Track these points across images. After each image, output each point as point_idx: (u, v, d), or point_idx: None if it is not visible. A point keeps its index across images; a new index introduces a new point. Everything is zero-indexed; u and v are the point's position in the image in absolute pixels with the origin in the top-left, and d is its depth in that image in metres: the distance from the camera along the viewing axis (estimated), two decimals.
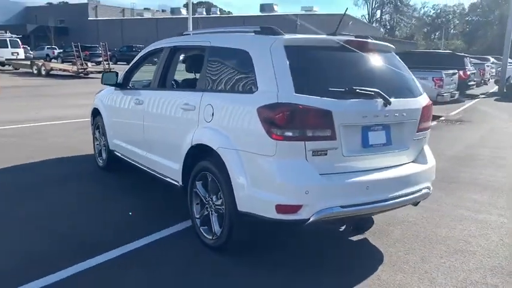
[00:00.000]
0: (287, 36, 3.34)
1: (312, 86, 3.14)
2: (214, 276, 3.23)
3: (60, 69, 23.55)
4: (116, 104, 5.26)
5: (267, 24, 3.93)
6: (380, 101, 3.28)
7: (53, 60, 36.28)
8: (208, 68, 3.80)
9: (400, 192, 3.37)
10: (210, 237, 3.57)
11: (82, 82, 20.86)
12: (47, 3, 77.57)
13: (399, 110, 3.42)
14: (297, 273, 3.31)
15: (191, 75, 4.74)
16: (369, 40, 3.63)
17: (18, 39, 28.48)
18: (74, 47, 23.28)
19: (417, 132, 3.63)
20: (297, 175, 3.03)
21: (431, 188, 3.74)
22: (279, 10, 60.36)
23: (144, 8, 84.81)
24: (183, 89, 4.65)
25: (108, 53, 25.76)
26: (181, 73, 4.90)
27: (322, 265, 3.47)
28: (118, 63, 36.67)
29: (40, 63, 24.07)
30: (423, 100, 3.70)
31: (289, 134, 2.99)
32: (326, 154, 3.09)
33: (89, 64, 25.13)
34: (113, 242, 3.66)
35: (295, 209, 2.99)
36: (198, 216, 3.73)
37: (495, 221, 4.49)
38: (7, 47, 27.21)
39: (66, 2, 75.50)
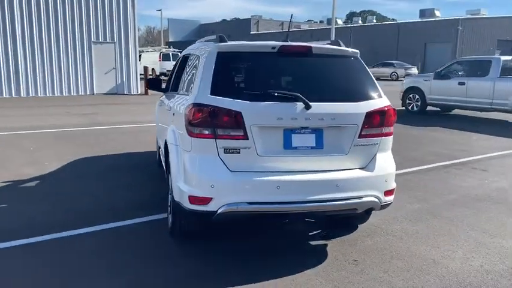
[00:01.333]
0: (226, 43, 3.60)
1: (230, 88, 3.36)
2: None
3: None
4: (158, 107, 6.02)
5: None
6: (300, 104, 3.31)
7: None
8: (183, 73, 4.27)
9: (325, 196, 3.33)
10: (169, 226, 4.01)
11: None
12: (222, 19, 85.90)
13: (326, 114, 3.38)
14: (237, 263, 3.56)
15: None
16: (312, 45, 3.63)
17: (179, 53, 32.56)
18: None
19: (359, 138, 3.50)
20: (205, 169, 3.28)
21: (384, 198, 3.56)
22: (441, 15, 56.47)
23: (307, 20, 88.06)
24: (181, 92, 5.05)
25: None
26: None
27: (266, 258, 3.64)
28: None
29: None
30: (370, 105, 3.54)
31: (202, 132, 3.27)
32: (239, 152, 3.27)
33: None
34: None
35: (204, 200, 3.25)
36: (169, 205, 4.18)
37: (493, 246, 3.95)
38: (170, 60, 31.41)
39: (238, 18, 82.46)
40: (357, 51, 3.81)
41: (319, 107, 3.36)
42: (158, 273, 3.35)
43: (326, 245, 3.93)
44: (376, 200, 3.51)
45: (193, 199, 3.28)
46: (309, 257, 3.67)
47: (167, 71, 30.56)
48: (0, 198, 5.08)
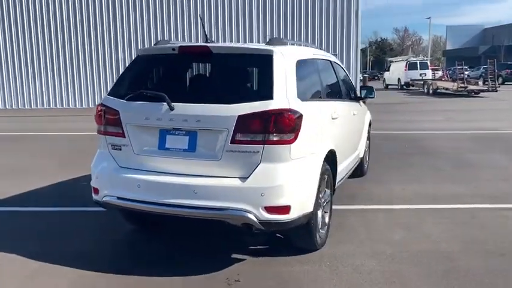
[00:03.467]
0: (149, 47, 3.80)
1: (124, 89, 3.56)
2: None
3: (443, 88, 23.94)
4: None
5: None
6: (165, 105, 3.23)
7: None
8: None
9: (180, 201, 3.17)
10: None
11: (456, 101, 20.78)
12: (510, 23, 75.34)
13: (190, 116, 3.18)
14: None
15: None
16: (209, 45, 3.38)
17: (427, 61, 30.67)
18: (457, 65, 23.20)
19: (231, 143, 3.12)
20: (97, 163, 3.62)
21: (264, 214, 3.09)
22: None
23: None
24: None
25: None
26: None
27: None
28: (506, 83, 33.14)
29: (430, 83, 25.37)
30: (247, 108, 3.10)
31: (98, 129, 3.63)
32: (121, 149, 3.48)
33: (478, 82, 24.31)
34: None
35: (95, 191, 3.60)
36: None
37: None
38: (416, 69, 29.94)
39: None
40: (272, 49, 3.36)
41: (183, 108, 3.22)
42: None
43: (243, 259, 3.61)
44: (250, 215, 3.08)
45: (92, 189, 3.67)
46: (210, 264, 3.51)
47: (411, 80, 29.27)
48: None
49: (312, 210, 3.42)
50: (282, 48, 3.46)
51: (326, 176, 3.82)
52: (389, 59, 34.44)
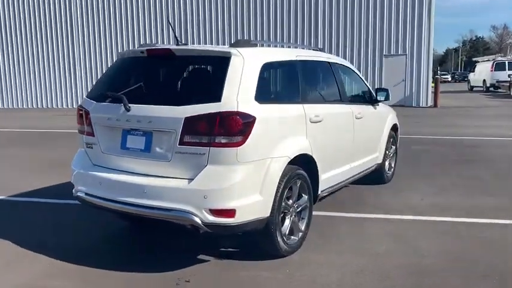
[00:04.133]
0: (132, 49, 3.94)
1: (98, 91, 3.73)
2: None
3: None
4: None
5: None
6: (122, 105, 3.34)
7: None
8: None
9: (131, 200, 3.26)
10: None
11: None
12: None
13: (143, 117, 3.25)
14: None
15: None
16: (172, 47, 3.42)
17: None
18: None
19: (180, 145, 3.14)
20: (74, 160, 3.84)
21: (208, 217, 3.08)
22: None
23: None
24: None
25: None
26: None
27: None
28: None
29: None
30: (195, 110, 3.10)
31: (78, 129, 3.85)
32: (92, 148, 3.66)
33: None
34: None
35: (73, 186, 3.83)
36: None
37: None
38: (505, 70, 27.56)
39: None
40: (230, 51, 3.33)
41: (138, 109, 3.31)
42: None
43: (207, 261, 3.62)
44: (194, 217, 3.08)
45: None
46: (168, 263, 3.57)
47: (497, 82, 27.00)
48: None
49: (268, 215, 3.34)
50: (245, 50, 3.41)
51: (299, 181, 3.70)
52: (475, 59, 31.98)
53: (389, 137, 6.00)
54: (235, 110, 3.10)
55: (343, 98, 4.69)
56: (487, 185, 5.99)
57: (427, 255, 3.71)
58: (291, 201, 3.70)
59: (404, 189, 5.84)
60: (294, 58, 4.01)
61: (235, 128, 3.08)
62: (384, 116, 5.77)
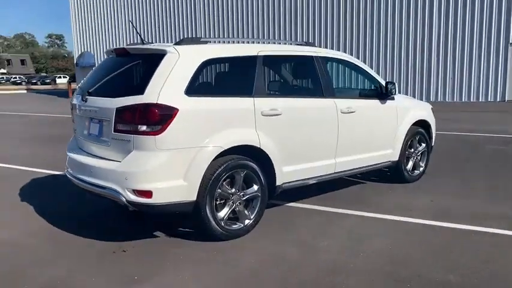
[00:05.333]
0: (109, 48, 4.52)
1: (80, 84, 4.40)
2: None
3: None
4: None
5: None
6: (86, 97, 3.93)
7: None
8: None
9: (85, 178, 3.84)
10: None
11: None
12: None
13: (92, 107, 3.79)
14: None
15: None
16: (127, 47, 3.87)
17: None
18: None
19: (114, 132, 3.61)
20: (68, 144, 4.56)
21: (131, 196, 3.51)
22: None
23: None
24: None
25: None
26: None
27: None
28: None
29: None
30: (124, 101, 3.53)
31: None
32: (75, 133, 4.35)
33: None
34: None
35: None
36: None
37: None
38: None
39: None
40: (166, 48, 3.68)
41: (91, 101, 3.87)
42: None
43: (157, 237, 4.06)
44: (120, 196, 3.54)
45: None
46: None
47: None
48: None
49: (195, 199, 3.63)
50: (183, 48, 3.74)
51: (243, 171, 3.90)
52: None
53: (412, 133, 5.66)
54: (155, 102, 3.46)
55: (326, 92, 4.65)
56: None
57: (363, 255, 3.62)
58: (233, 189, 3.92)
59: (419, 189, 5.51)
60: (253, 54, 4.16)
61: (153, 118, 3.45)
62: (398, 111, 5.45)
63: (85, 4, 27.60)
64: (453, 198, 5.12)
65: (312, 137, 4.50)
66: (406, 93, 19.13)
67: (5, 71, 76.65)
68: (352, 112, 4.81)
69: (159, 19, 23.65)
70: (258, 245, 3.84)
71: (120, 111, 3.58)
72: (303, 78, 4.66)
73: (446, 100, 18.55)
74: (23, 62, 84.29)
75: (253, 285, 3.16)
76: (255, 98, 4.02)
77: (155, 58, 3.71)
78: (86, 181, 3.85)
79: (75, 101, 4.25)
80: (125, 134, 3.59)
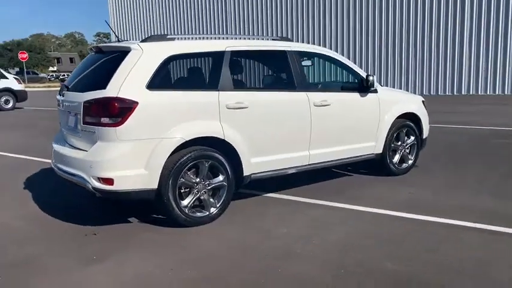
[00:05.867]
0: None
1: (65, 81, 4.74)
2: None
3: None
4: None
5: None
6: (64, 92, 4.26)
7: None
8: None
9: (63, 167, 4.18)
10: None
11: None
12: None
13: (68, 101, 4.12)
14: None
15: None
16: (101, 45, 4.16)
17: None
18: None
19: (83, 124, 3.92)
20: (55, 136, 4.92)
21: (95, 183, 3.81)
22: None
23: None
24: None
25: None
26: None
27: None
28: None
29: None
30: (89, 96, 3.84)
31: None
32: (60, 126, 4.71)
33: None
34: None
35: None
36: None
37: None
38: None
39: None
40: (131, 45, 3.95)
41: (66, 95, 4.20)
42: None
43: (131, 222, 4.35)
44: (86, 182, 3.85)
45: None
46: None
47: None
48: None
49: (156, 187, 3.89)
50: (147, 45, 3.99)
51: (208, 162, 4.11)
52: None
53: (398, 126, 5.67)
54: (115, 96, 3.73)
55: (298, 86, 4.77)
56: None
57: (315, 242, 3.74)
58: (198, 178, 4.14)
59: (407, 183, 5.52)
60: (221, 49, 4.35)
61: (113, 111, 3.72)
62: (381, 104, 5.47)
63: (123, 3, 28.58)
64: (433, 192, 5.10)
65: (282, 130, 4.63)
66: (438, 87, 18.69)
67: (54, 68, 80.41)
68: (326, 105, 4.90)
69: (201, 15, 24.23)
70: (221, 232, 4.04)
71: (87, 104, 3.89)
72: (276, 72, 4.80)
73: (479, 93, 17.97)
74: (71, 60, 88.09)
75: (205, 266, 3.36)
76: (220, 92, 4.21)
77: (121, 55, 3.99)
78: (64, 170, 4.19)
79: (58, 97, 4.60)
80: (91, 126, 3.89)
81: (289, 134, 4.72)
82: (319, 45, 20.41)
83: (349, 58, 19.51)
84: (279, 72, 4.81)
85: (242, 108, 4.30)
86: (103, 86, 3.83)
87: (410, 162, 5.97)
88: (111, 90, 3.77)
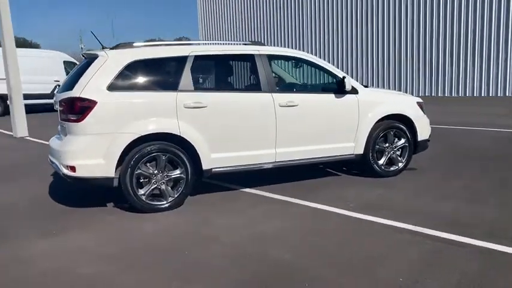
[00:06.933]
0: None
1: None
2: None
3: None
4: None
5: None
6: (55, 93, 5.00)
7: None
8: None
9: (51, 158, 4.89)
10: None
11: None
12: None
13: (56, 101, 4.81)
14: None
15: None
16: (85, 52, 4.81)
17: None
18: None
19: (60, 120, 4.63)
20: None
21: (64, 170, 4.46)
22: None
23: None
24: None
25: None
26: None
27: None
28: None
29: None
30: (62, 95, 4.48)
31: None
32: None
33: None
34: None
35: None
36: None
37: None
38: None
39: None
40: (98, 52, 4.54)
41: (56, 96, 4.90)
42: None
43: (105, 207, 4.97)
44: (60, 170, 4.53)
45: None
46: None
47: None
48: None
49: (113, 176, 4.44)
50: (113, 51, 4.56)
51: (165, 155, 4.57)
52: None
53: (384, 128, 5.64)
54: (77, 96, 4.35)
55: (264, 87, 5.02)
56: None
57: (242, 234, 4.00)
58: (156, 170, 4.62)
59: (387, 185, 5.49)
60: (184, 54, 4.78)
61: (75, 108, 4.34)
62: (360, 105, 5.47)
63: (213, 8, 29.70)
64: (405, 195, 5.03)
65: (243, 128, 4.92)
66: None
67: None
68: (293, 106, 5.08)
69: (286, 25, 24.84)
70: (167, 219, 4.46)
71: (60, 103, 4.58)
72: (243, 74, 5.10)
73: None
74: None
75: (124, 244, 3.84)
76: (178, 93, 4.65)
77: (91, 60, 4.61)
78: (50, 160, 4.93)
79: (54, 98, 5.39)
80: (64, 121, 4.58)
81: (252, 132, 4.99)
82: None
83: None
84: (246, 74, 5.09)
85: (201, 107, 4.69)
86: (72, 87, 4.49)
87: (400, 164, 5.87)
88: (76, 91, 4.41)
